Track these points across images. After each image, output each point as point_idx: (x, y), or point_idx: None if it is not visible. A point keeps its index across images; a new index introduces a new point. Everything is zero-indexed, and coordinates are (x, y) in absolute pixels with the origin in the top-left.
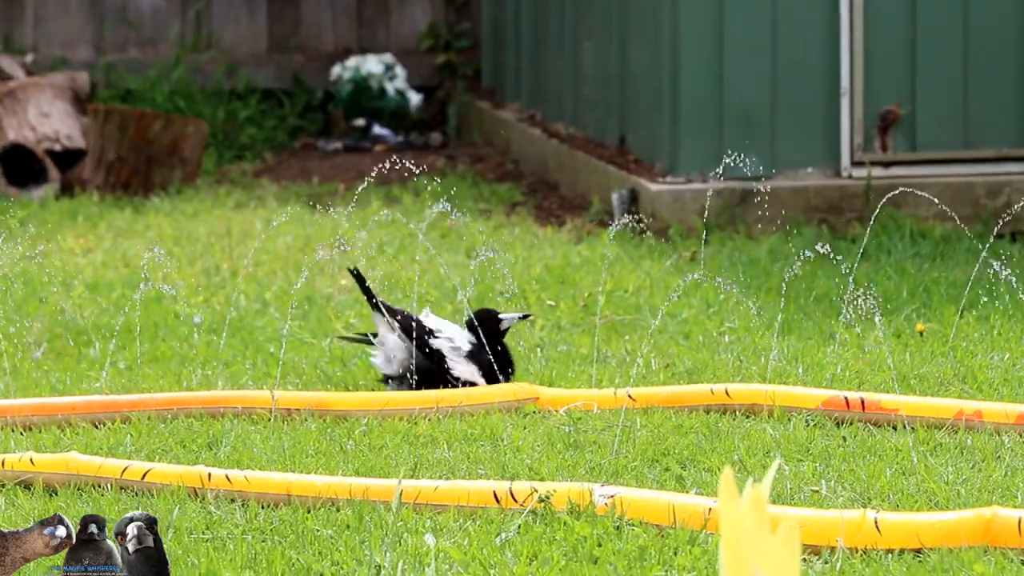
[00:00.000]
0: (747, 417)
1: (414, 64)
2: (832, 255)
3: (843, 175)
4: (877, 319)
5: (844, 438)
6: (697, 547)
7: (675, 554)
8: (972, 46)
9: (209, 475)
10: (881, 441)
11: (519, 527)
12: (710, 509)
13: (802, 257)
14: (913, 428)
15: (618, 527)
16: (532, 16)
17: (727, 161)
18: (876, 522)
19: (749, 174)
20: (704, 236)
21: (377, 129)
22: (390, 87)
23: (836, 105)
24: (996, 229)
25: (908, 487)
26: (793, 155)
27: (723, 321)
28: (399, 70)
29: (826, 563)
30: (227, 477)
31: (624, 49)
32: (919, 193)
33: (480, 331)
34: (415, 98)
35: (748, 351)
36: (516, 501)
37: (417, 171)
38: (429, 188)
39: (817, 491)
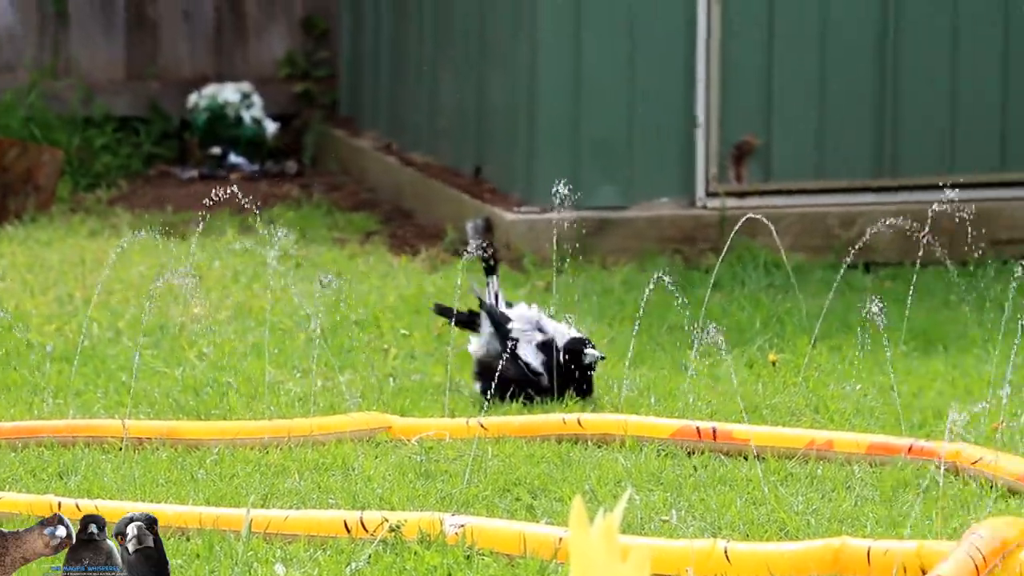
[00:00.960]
0: (599, 447)
1: (272, 93)
2: (685, 286)
3: (698, 205)
4: (726, 351)
5: (695, 468)
6: None
7: None
8: (828, 77)
9: (59, 504)
10: (732, 471)
11: (369, 557)
12: (560, 539)
13: (653, 283)
14: (764, 458)
15: (468, 557)
16: (391, 46)
17: (553, 191)
18: (726, 552)
19: (605, 204)
20: (558, 266)
21: (233, 157)
22: (247, 115)
23: (692, 136)
24: (849, 259)
25: (758, 517)
26: (649, 185)
27: None
28: (256, 98)
29: None
30: (77, 506)
31: (481, 79)
32: (761, 223)
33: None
34: (271, 127)
35: (601, 381)
36: (367, 531)
37: (272, 200)
38: (281, 219)
39: (668, 521)
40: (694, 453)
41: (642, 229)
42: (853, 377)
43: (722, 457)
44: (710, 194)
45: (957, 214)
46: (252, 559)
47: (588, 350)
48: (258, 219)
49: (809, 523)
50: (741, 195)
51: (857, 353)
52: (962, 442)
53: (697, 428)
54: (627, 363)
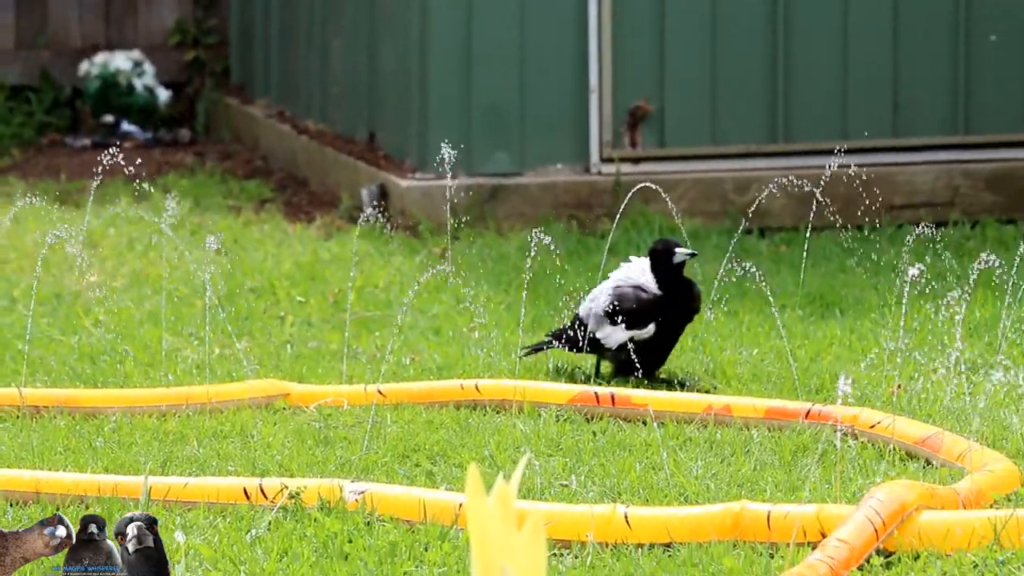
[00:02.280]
0: (497, 412)
1: (163, 60)
2: (581, 252)
3: (592, 171)
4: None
5: (594, 433)
6: (447, 543)
7: (426, 550)
8: (720, 43)
9: None
10: (631, 436)
11: (269, 523)
12: (460, 505)
13: (533, 248)
14: (663, 423)
15: (368, 523)
16: (281, 13)
17: (440, 156)
18: (626, 517)
19: (499, 171)
20: (453, 232)
21: (125, 126)
22: (139, 84)
23: (585, 102)
24: (744, 224)
25: (658, 482)
26: (543, 152)
27: (473, 317)
28: (147, 66)
29: (576, 558)
30: None
31: (373, 46)
32: (654, 188)
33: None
34: (164, 94)
35: (498, 347)
36: (266, 497)
37: (165, 168)
38: (175, 187)
39: (567, 486)
40: (593, 419)
41: (536, 195)
42: (750, 342)
43: (621, 422)
44: (604, 160)
45: (851, 179)
46: None
47: (678, 250)
48: (152, 187)
49: (708, 488)
50: (636, 161)
51: (753, 318)
52: (860, 406)
53: (596, 394)
54: (521, 328)
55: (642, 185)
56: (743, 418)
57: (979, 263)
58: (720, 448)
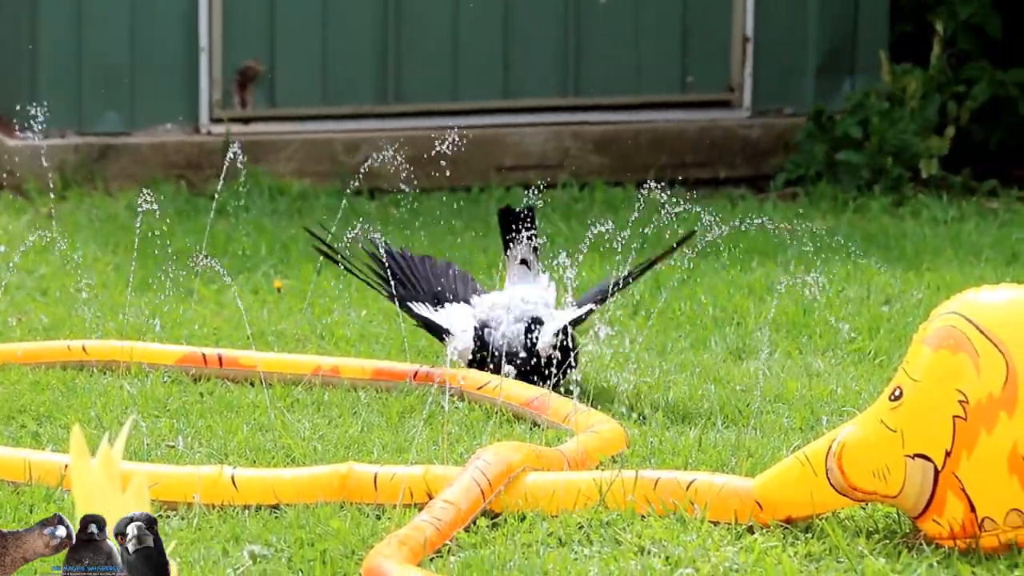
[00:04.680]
0: (104, 374)
1: None
2: (190, 212)
3: (202, 132)
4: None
5: (202, 394)
6: (53, 504)
7: (31, 511)
8: (331, 3)
9: None
10: (239, 397)
11: None
12: (66, 466)
13: (141, 207)
14: (271, 384)
15: None
16: None
17: (34, 113)
18: (233, 478)
19: (108, 131)
20: (61, 192)
21: None
22: None
23: (196, 62)
24: (354, 185)
25: (265, 443)
26: (153, 111)
27: (81, 277)
28: None
29: (183, 519)
30: None
31: None
32: (264, 148)
33: None
34: None
35: (106, 308)
36: None
37: None
38: None
39: (174, 447)
40: (200, 379)
41: (147, 155)
42: (358, 303)
43: (228, 384)
44: (214, 120)
45: (461, 140)
46: None
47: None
48: None
49: (316, 449)
50: (246, 121)
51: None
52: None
53: (203, 354)
54: (129, 288)
55: (247, 143)
56: (351, 379)
57: (593, 225)
58: (328, 409)
